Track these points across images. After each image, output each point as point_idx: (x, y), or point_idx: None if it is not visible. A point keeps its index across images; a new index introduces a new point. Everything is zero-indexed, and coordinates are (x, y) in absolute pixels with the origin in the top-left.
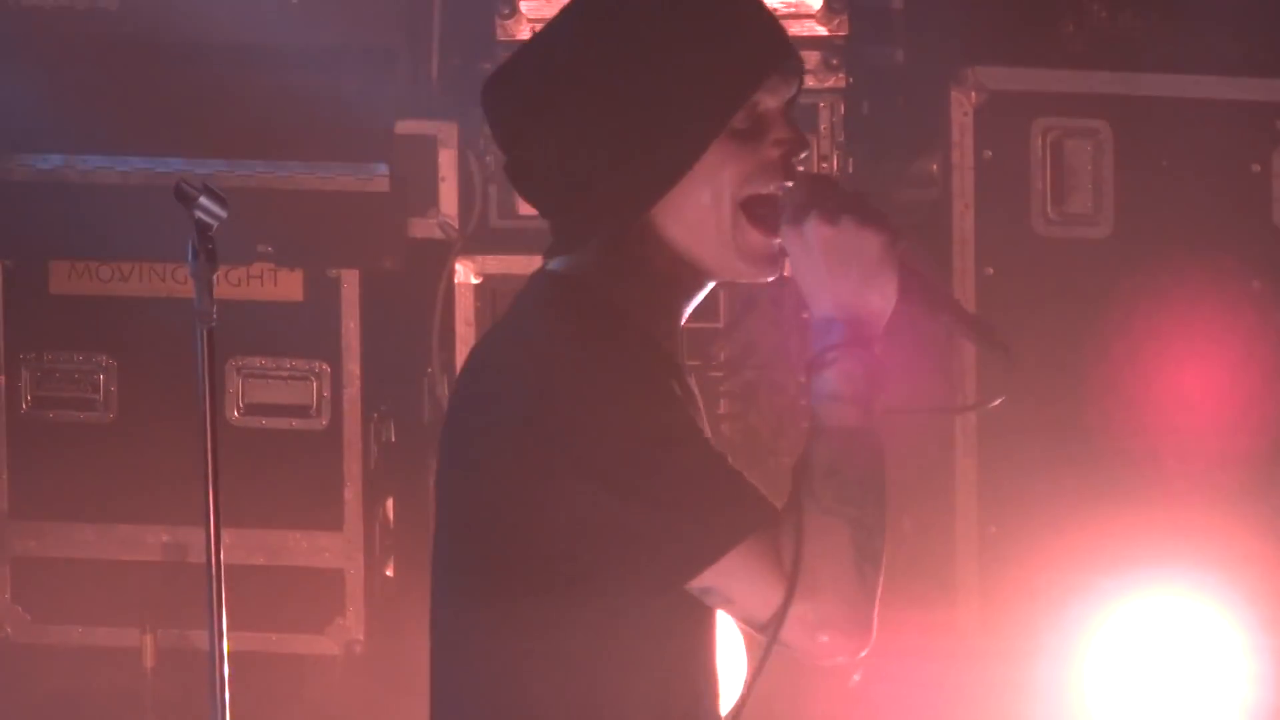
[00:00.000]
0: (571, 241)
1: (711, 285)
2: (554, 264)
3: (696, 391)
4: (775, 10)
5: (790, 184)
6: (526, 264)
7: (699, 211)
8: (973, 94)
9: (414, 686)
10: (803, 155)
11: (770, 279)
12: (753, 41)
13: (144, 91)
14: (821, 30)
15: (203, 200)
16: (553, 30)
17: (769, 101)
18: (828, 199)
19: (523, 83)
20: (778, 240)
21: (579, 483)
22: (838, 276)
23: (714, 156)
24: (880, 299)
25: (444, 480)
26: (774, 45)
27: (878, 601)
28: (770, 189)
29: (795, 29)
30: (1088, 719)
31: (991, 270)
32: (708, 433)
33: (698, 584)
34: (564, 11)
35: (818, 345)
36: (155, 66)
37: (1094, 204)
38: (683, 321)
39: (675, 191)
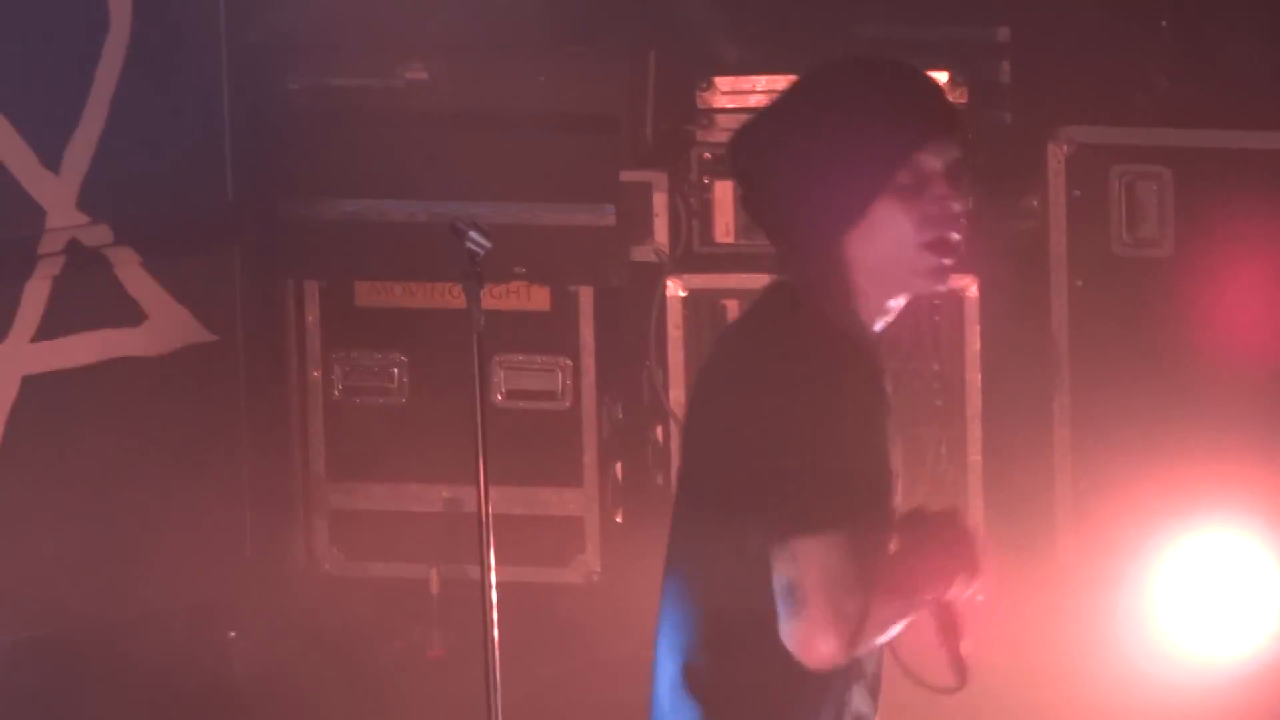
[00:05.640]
0: (789, 261)
1: (904, 300)
2: (781, 279)
3: (889, 388)
4: None
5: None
6: (722, 280)
7: (881, 245)
8: (1064, 147)
9: (641, 607)
10: (959, 210)
11: (943, 289)
12: (914, 114)
13: (427, 148)
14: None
15: (472, 234)
16: (780, 101)
17: (932, 162)
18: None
19: (756, 138)
20: (946, 260)
21: (766, 446)
22: (921, 569)
23: (886, 204)
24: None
25: (689, 437)
26: (932, 117)
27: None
28: (935, 234)
29: None
30: (1164, 638)
31: (1080, 283)
32: (889, 431)
33: (798, 545)
34: (789, 88)
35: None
36: (436, 128)
37: (1159, 231)
38: (879, 327)
39: (859, 229)
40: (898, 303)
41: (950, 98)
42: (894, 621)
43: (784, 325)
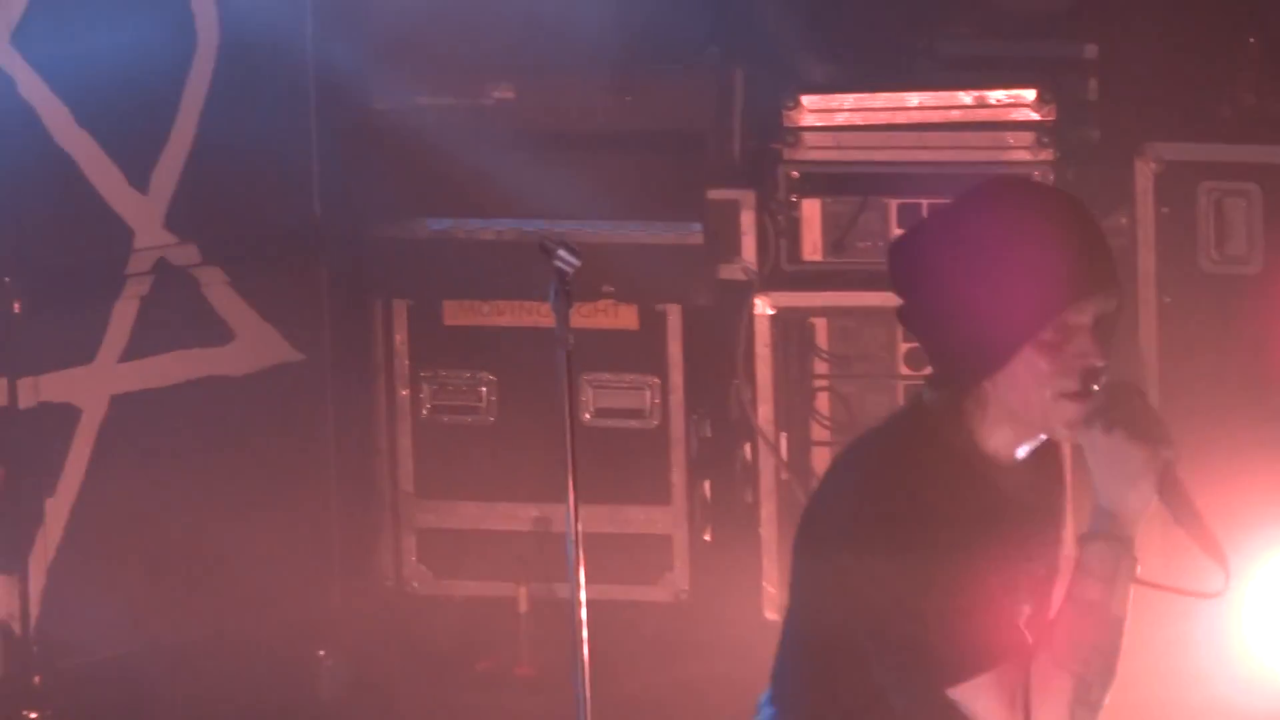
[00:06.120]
0: (940, 382)
1: (1044, 436)
2: (929, 393)
3: (1022, 510)
4: (1000, 101)
5: (1097, 387)
6: (810, 298)
7: (1020, 389)
8: (1152, 164)
9: (728, 625)
10: (1098, 365)
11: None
12: (1069, 272)
13: (514, 167)
14: (1036, 116)
15: (561, 252)
16: (942, 221)
17: (1080, 318)
18: (1113, 411)
19: (914, 257)
20: (1082, 409)
21: (878, 589)
22: (1106, 476)
23: (1029, 353)
24: (1137, 502)
25: (797, 544)
26: (1086, 276)
27: None
28: (1073, 387)
29: (1015, 115)
30: (1248, 657)
31: (1169, 299)
32: (997, 548)
33: (952, 695)
34: (954, 208)
35: (1087, 527)
36: (524, 147)
37: (1247, 247)
38: (1022, 454)
39: (1004, 373)
40: (1038, 438)
41: (1039, 115)
42: (1096, 643)
43: (909, 450)
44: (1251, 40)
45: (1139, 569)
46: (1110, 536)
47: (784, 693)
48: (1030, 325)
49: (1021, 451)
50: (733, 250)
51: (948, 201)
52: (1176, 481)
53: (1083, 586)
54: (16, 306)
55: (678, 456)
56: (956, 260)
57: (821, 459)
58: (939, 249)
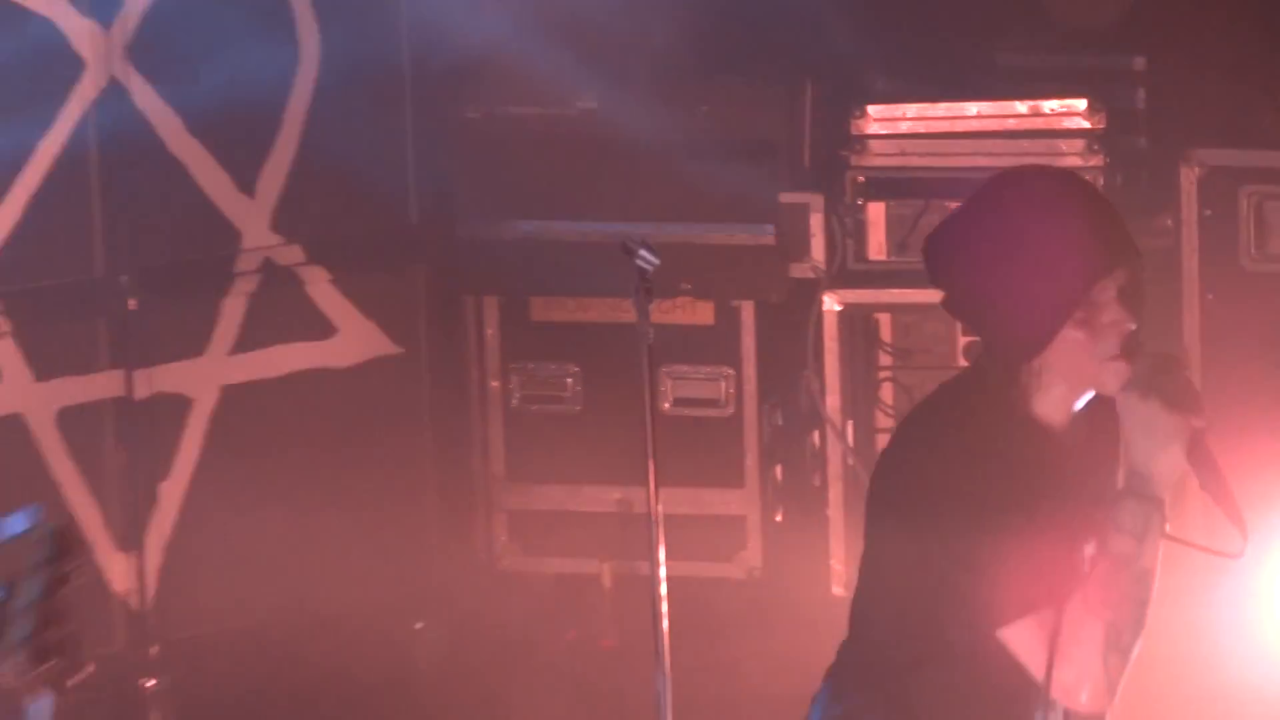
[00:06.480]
0: (986, 357)
1: (1093, 392)
2: (987, 360)
3: (1059, 463)
4: (1053, 111)
5: (1137, 348)
6: (875, 295)
7: (1065, 361)
8: (1196, 169)
9: (798, 601)
10: (1133, 329)
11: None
12: (1092, 250)
13: (598, 172)
14: (1086, 124)
15: (642, 252)
16: (969, 216)
17: (1105, 292)
18: (1151, 380)
19: (947, 253)
20: (1126, 363)
21: (940, 539)
22: (1140, 439)
23: (1068, 332)
24: (1167, 466)
25: (869, 503)
26: (1107, 251)
27: (1122, 678)
28: (1113, 349)
29: (1067, 124)
30: (1270, 628)
31: (1211, 296)
32: (1042, 505)
33: (1000, 636)
34: (978, 201)
35: (1121, 486)
36: (607, 154)
37: None
38: (1075, 410)
39: (1050, 350)
40: (1088, 396)
41: (1089, 123)
42: (1127, 593)
43: (970, 413)
44: None
45: (1168, 527)
46: (1142, 495)
47: (850, 659)
48: (1063, 308)
49: (1077, 406)
50: (803, 250)
51: (969, 198)
52: (1205, 449)
53: (1115, 540)
54: (133, 304)
55: (751, 443)
56: (985, 255)
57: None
58: (967, 244)
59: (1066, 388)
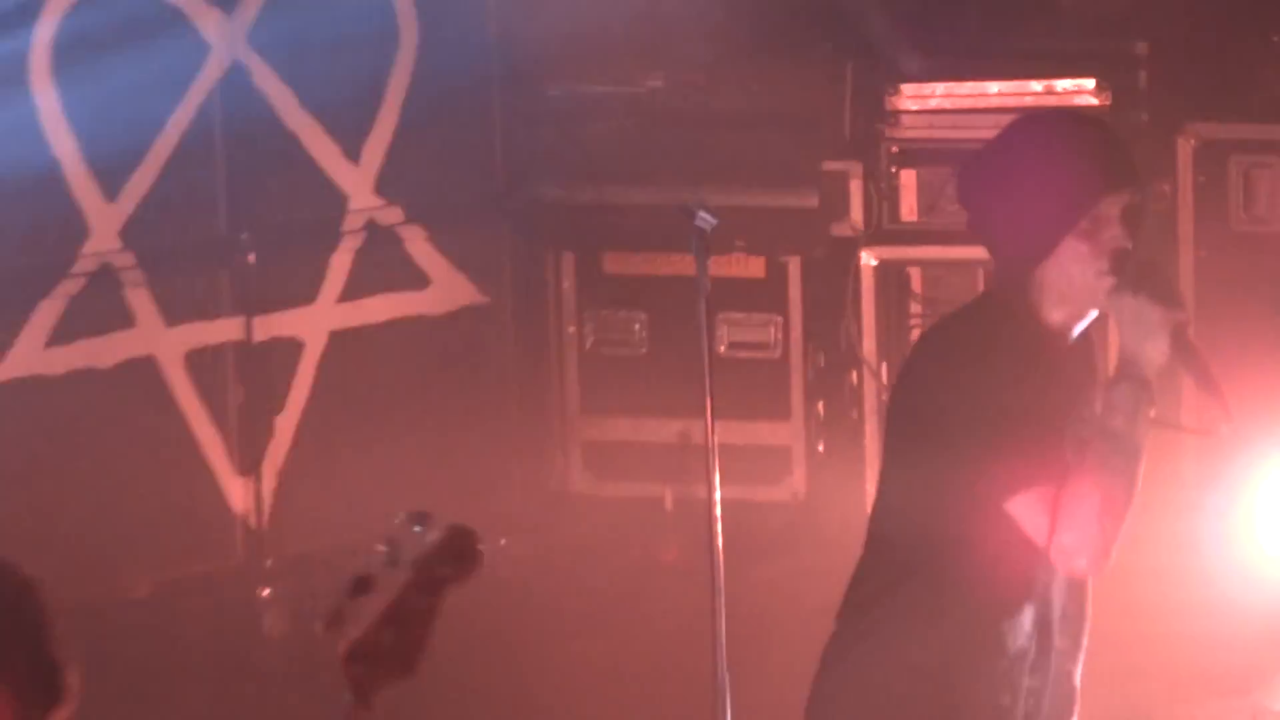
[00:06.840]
0: (999, 274)
1: (1095, 312)
2: (998, 280)
3: (1061, 368)
4: (1065, 89)
5: (1125, 263)
6: (907, 252)
7: (1067, 272)
8: (1191, 141)
9: (838, 522)
10: (1127, 247)
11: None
12: (1096, 169)
13: (663, 143)
14: (1094, 101)
15: (701, 213)
16: (995, 146)
17: (1108, 210)
18: (1139, 280)
19: (976, 176)
20: (1116, 277)
21: (958, 425)
22: (1130, 330)
23: (1071, 241)
24: (1155, 351)
25: (892, 407)
26: (1110, 171)
27: (1116, 540)
28: (1109, 263)
29: (1077, 101)
30: (1254, 545)
31: (1204, 253)
32: (1046, 399)
33: (1008, 508)
34: (1004, 135)
35: (1114, 373)
36: (672, 126)
37: (1270, 210)
38: (1078, 329)
39: (1053, 260)
40: (1089, 315)
41: (1097, 100)
42: (1119, 466)
43: (983, 324)
44: (1276, 39)
45: (1153, 411)
46: (1133, 378)
47: (868, 574)
48: (1068, 217)
49: (1077, 330)
50: (843, 212)
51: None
52: (1187, 338)
53: (1109, 418)
54: (251, 258)
55: (796, 381)
56: (1004, 174)
57: None
58: (991, 169)
59: (1067, 309)
